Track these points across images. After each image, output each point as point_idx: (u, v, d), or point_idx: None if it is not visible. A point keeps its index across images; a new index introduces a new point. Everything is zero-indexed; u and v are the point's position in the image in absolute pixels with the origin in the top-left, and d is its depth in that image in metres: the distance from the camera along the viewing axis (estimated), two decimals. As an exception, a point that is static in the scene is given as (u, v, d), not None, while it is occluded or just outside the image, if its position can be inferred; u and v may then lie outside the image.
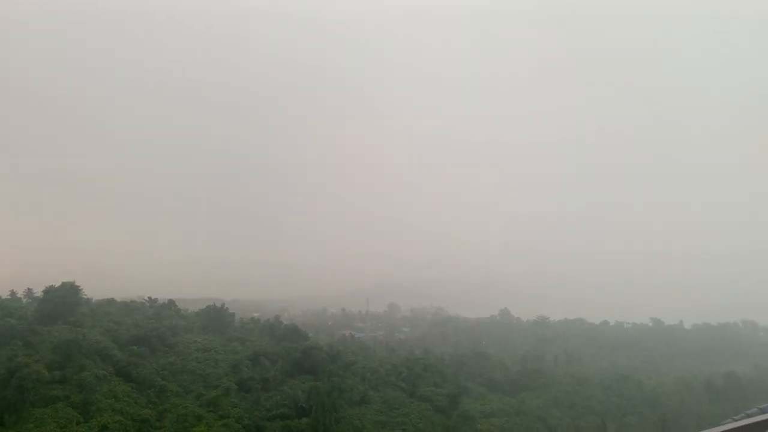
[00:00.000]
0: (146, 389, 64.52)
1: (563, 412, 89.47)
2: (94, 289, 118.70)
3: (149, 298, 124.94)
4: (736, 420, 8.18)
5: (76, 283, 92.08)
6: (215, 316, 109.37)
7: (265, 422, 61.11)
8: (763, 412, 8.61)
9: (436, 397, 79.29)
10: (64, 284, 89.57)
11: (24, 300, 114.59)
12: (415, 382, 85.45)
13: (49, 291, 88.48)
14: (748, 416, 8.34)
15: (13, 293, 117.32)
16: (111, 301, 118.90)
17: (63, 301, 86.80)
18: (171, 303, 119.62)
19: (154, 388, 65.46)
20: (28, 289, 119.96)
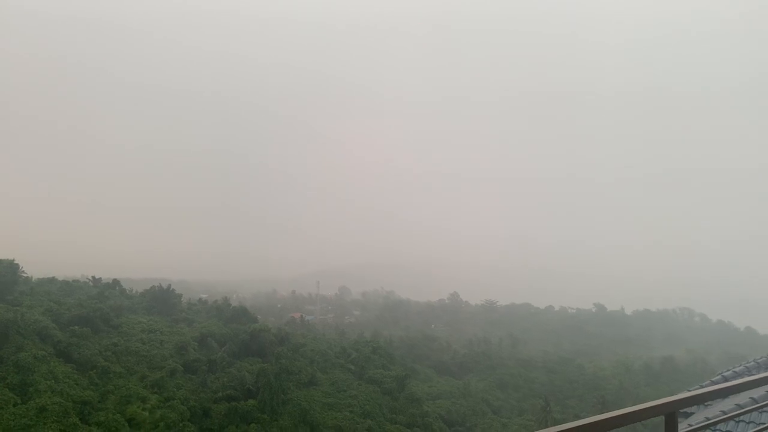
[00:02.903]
0: (88, 370, 62.79)
1: (508, 395, 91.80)
2: (34, 268, 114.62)
3: (92, 277, 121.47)
4: None
5: (15, 261, 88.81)
6: (161, 297, 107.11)
7: (211, 404, 60.55)
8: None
9: (384, 380, 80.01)
10: (1, 261, 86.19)
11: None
12: (363, 365, 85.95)
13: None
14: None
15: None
16: (52, 280, 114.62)
17: (0, 279, 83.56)
18: (115, 282, 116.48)
19: (96, 369, 63.76)
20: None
